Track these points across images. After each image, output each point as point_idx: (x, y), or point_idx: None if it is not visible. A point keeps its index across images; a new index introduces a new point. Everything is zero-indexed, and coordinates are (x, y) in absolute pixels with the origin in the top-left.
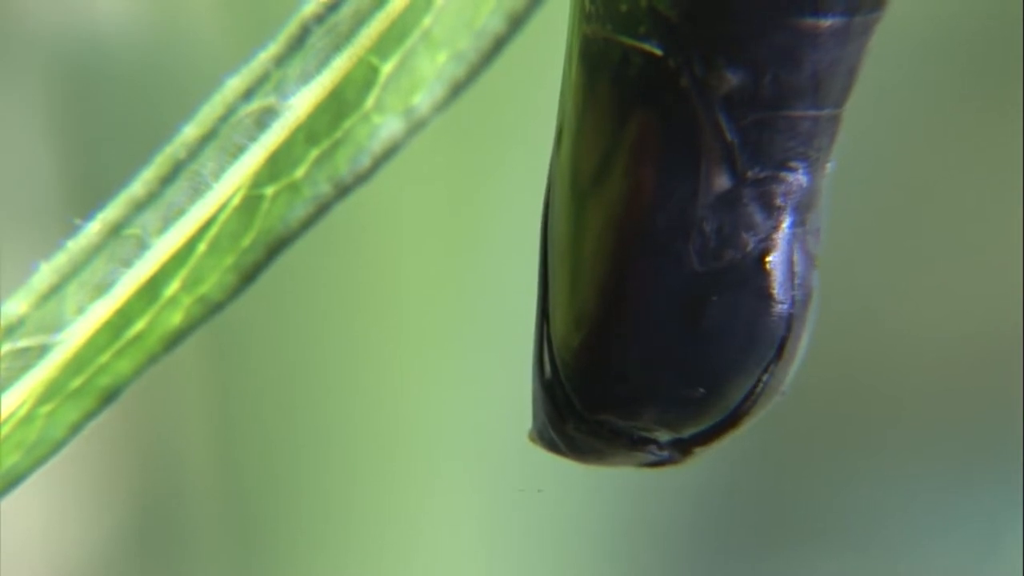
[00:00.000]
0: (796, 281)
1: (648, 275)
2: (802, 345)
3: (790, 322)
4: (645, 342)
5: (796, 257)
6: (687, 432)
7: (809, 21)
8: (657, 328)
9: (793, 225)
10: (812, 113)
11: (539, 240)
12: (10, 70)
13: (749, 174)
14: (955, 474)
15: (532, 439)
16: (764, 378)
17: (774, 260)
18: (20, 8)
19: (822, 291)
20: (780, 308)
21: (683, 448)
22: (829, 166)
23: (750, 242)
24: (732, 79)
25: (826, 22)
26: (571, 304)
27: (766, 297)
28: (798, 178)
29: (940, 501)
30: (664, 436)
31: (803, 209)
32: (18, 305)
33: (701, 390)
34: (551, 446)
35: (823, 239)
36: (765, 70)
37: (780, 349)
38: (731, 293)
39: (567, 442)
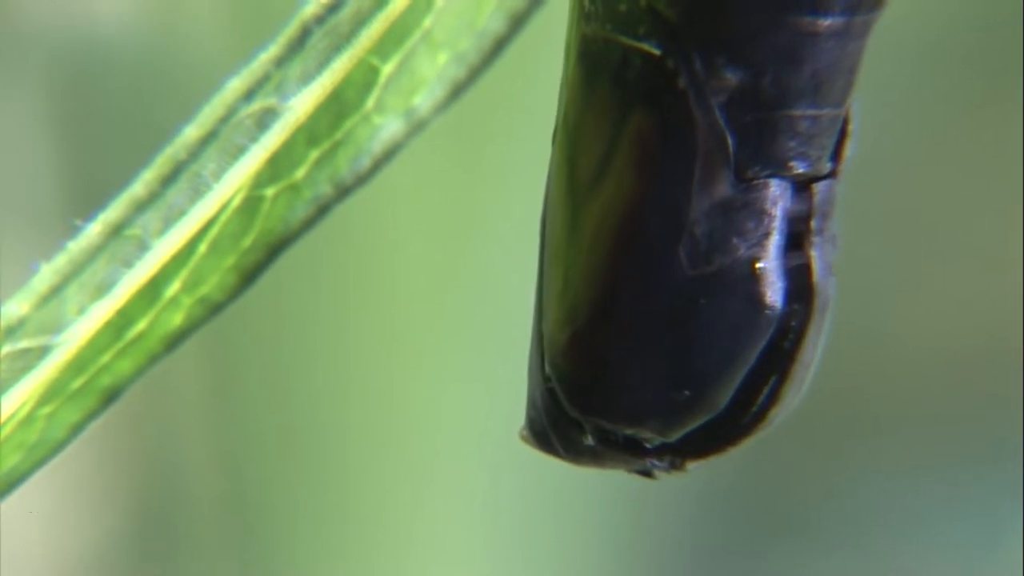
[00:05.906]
0: (816, 289)
1: (641, 277)
2: (816, 355)
3: (802, 330)
4: (633, 344)
5: (815, 265)
6: (672, 436)
7: (808, 20)
8: (646, 330)
9: (790, 231)
10: (812, 112)
11: (539, 240)
12: (10, 70)
13: (748, 174)
14: (955, 474)
15: (524, 438)
16: (765, 390)
17: (767, 265)
18: (20, 8)
19: None
20: (773, 313)
21: (681, 458)
22: (839, 168)
23: (741, 247)
24: (731, 79)
25: (826, 21)
26: (561, 304)
27: (758, 302)
28: (800, 181)
29: (940, 501)
30: (653, 440)
31: (820, 215)
32: (19, 306)
33: (686, 393)
34: (546, 446)
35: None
36: (765, 70)
37: (790, 359)
38: (722, 297)
39: (565, 443)
